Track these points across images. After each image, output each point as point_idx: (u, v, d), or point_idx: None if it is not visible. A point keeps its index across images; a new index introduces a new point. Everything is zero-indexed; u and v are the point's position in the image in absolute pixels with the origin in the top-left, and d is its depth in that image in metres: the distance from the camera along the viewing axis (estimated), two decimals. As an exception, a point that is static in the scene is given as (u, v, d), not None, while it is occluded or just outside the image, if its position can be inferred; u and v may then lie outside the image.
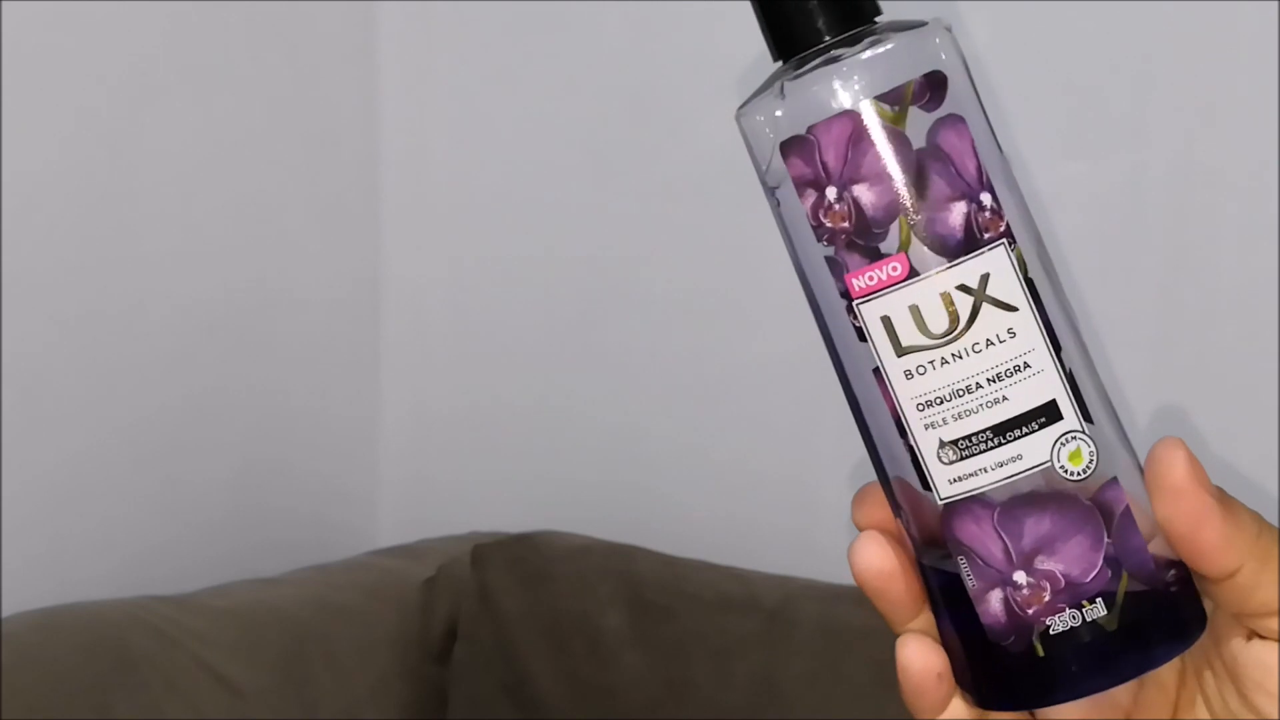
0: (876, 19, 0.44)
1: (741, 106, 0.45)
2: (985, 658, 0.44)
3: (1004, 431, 0.42)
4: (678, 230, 1.34)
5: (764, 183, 0.45)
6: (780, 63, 0.45)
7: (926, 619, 0.47)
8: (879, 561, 0.45)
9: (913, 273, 0.42)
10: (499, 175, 1.43)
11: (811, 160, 0.43)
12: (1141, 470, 0.44)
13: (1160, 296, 1.11)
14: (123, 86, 1.24)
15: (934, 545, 0.44)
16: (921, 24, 0.44)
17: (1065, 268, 1.15)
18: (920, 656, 0.45)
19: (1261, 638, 0.44)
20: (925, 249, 0.42)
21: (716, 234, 1.31)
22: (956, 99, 0.43)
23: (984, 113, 0.44)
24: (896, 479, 0.45)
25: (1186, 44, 1.09)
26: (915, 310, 0.42)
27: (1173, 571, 0.43)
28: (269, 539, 1.39)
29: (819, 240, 0.43)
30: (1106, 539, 0.42)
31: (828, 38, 0.44)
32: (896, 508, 0.45)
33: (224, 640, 1.11)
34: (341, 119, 1.45)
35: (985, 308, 0.42)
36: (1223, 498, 0.43)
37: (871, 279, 0.42)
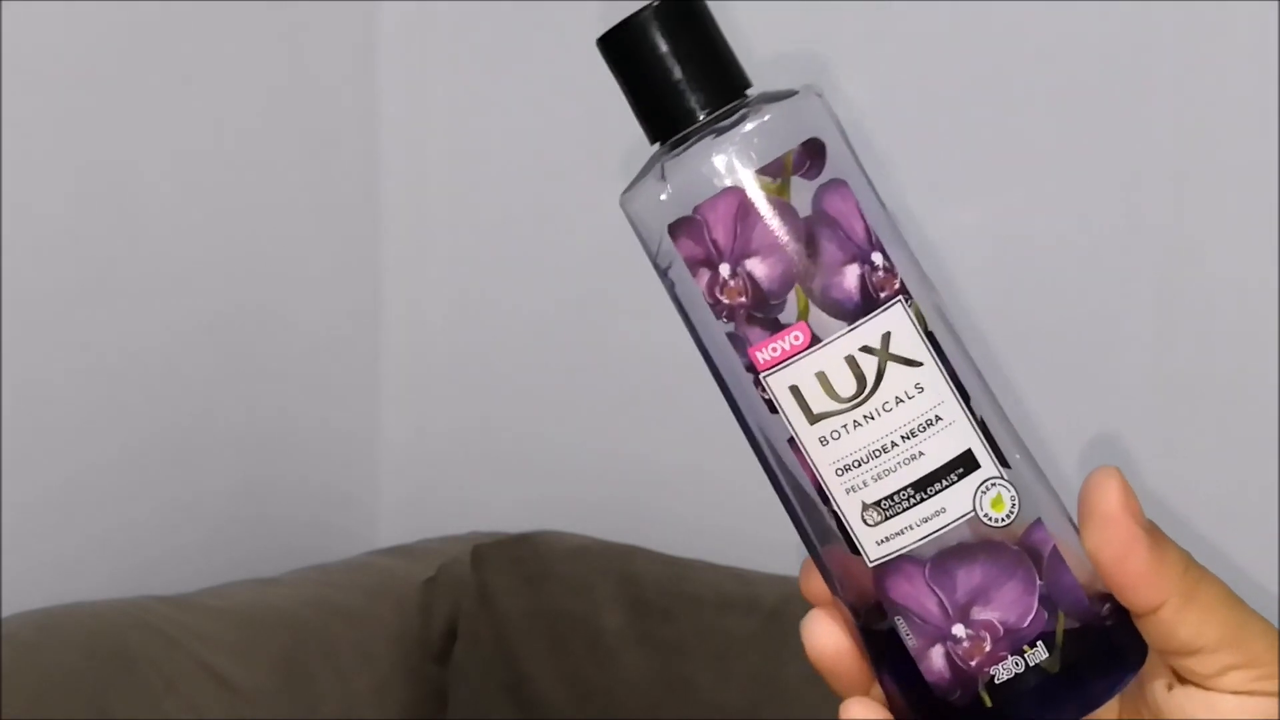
0: (747, 91, 0.45)
1: (624, 193, 0.45)
2: (933, 715, 0.44)
3: (924, 487, 0.42)
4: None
5: (655, 265, 0.45)
6: (658, 144, 0.45)
7: (880, 691, 0.47)
8: (830, 640, 0.46)
9: (815, 340, 0.42)
10: (498, 183, 1.43)
11: (701, 240, 0.43)
12: (1064, 509, 0.45)
13: (1159, 297, 1.11)
14: (120, 86, 1.24)
15: (870, 608, 0.44)
16: (793, 93, 0.44)
17: (1066, 269, 1.15)
18: (823, 636, 0.46)
19: (1182, 683, 0.44)
20: (824, 315, 0.42)
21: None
22: (836, 164, 0.43)
23: (864, 174, 0.44)
24: (826, 548, 0.45)
25: (1186, 43, 1.09)
26: (822, 376, 0.42)
27: (1108, 605, 0.43)
28: (270, 540, 1.39)
29: (718, 317, 0.43)
30: (1039, 581, 0.42)
31: (702, 115, 0.44)
32: (829, 576, 0.45)
33: (224, 640, 1.11)
34: (341, 126, 1.45)
35: (890, 366, 0.42)
36: (1152, 530, 0.44)
37: (775, 350, 0.43)
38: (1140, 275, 1.12)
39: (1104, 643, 0.43)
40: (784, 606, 1.12)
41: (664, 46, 0.44)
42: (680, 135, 0.45)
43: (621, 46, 0.45)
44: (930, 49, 1.19)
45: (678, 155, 0.44)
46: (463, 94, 1.44)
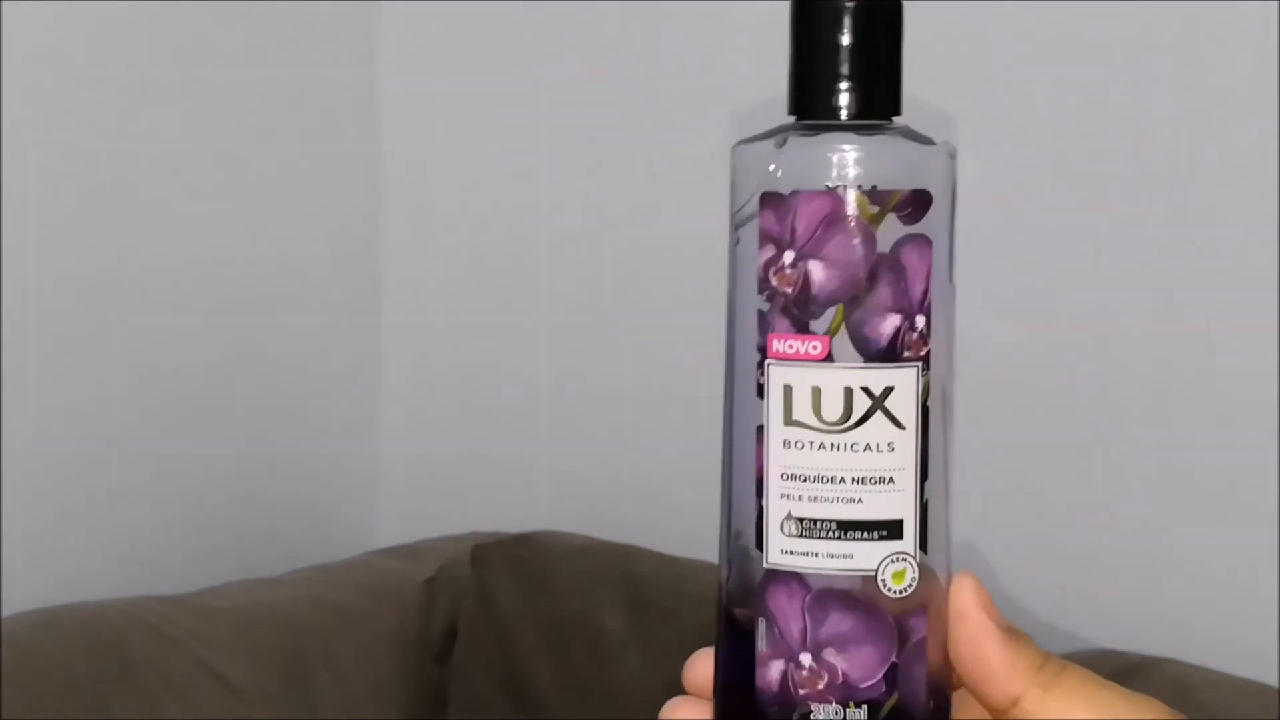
0: (894, 119, 0.46)
1: (741, 142, 0.46)
2: (742, 712, 0.46)
3: (846, 529, 0.44)
4: (678, 230, 1.34)
5: (732, 216, 0.46)
6: (793, 118, 0.46)
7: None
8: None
9: (829, 358, 0.44)
10: (500, 169, 1.43)
11: (784, 220, 0.44)
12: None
13: (1159, 298, 1.11)
14: (123, 83, 1.24)
15: (743, 599, 0.46)
16: (931, 141, 0.45)
17: (1065, 267, 1.15)
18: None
19: None
20: (849, 342, 0.44)
21: (717, 234, 1.31)
22: (932, 222, 0.44)
23: (951, 244, 0.45)
24: (736, 530, 0.46)
25: (1186, 44, 1.09)
26: (816, 391, 0.44)
27: (946, 710, 0.46)
28: (270, 540, 1.39)
29: (760, 292, 0.45)
30: (894, 658, 0.44)
31: (844, 116, 0.45)
32: (725, 558, 0.47)
33: (223, 640, 1.11)
34: (342, 113, 1.45)
35: (877, 416, 0.44)
36: (1009, 629, 0.45)
37: (790, 347, 0.44)
38: (1140, 275, 1.12)
39: None
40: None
41: (850, 39, 0.45)
42: (816, 123, 0.45)
43: (813, 16, 0.46)
44: (930, 49, 1.19)
45: (806, 136, 0.45)
46: (463, 95, 1.44)
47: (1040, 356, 1.15)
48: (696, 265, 1.36)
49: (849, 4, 0.45)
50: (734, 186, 0.46)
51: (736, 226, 0.46)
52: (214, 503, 1.35)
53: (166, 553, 1.30)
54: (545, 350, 1.42)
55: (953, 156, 0.45)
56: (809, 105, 0.45)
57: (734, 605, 0.47)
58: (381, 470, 1.51)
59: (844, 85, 0.45)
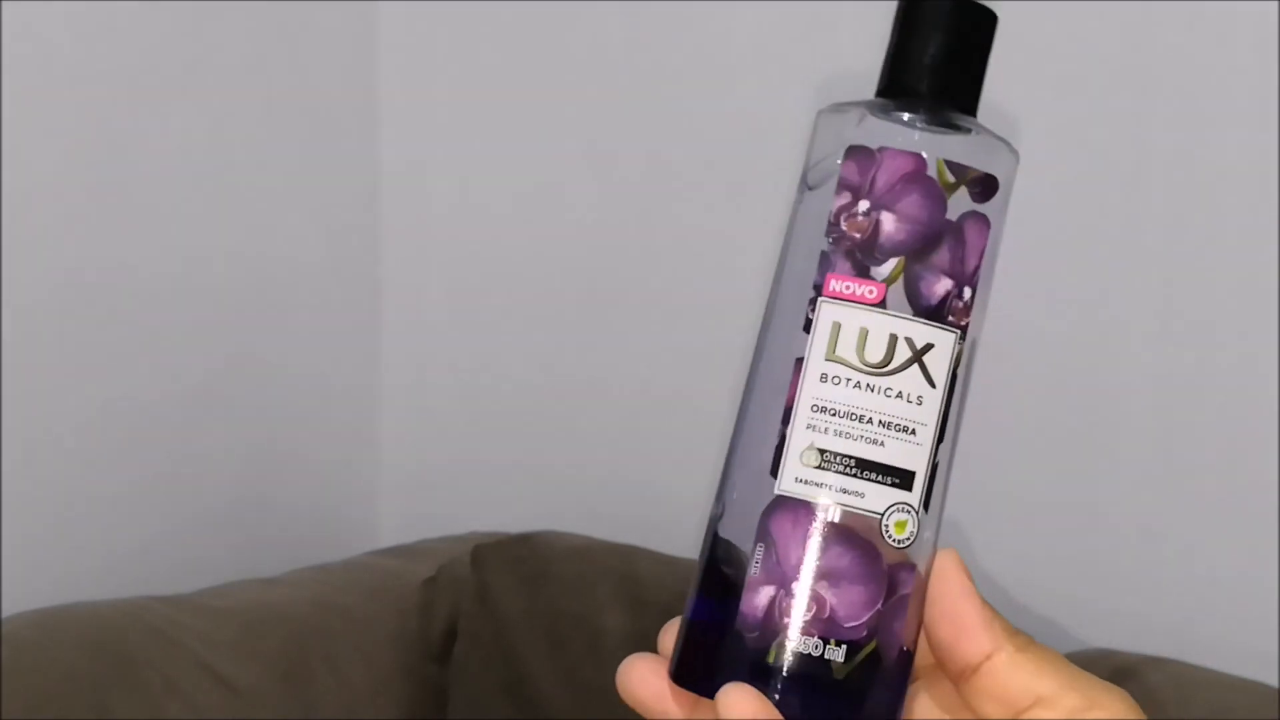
0: (974, 116, 0.49)
1: (834, 105, 0.49)
2: (716, 636, 0.47)
3: (865, 468, 0.46)
4: (679, 232, 1.34)
5: (804, 176, 0.49)
6: (885, 98, 0.49)
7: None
8: (655, 683, 0.49)
9: (882, 303, 0.47)
10: (500, 171, 1.43)
11: (865, 172, 0.47)
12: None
13: (1160, 299, 1.11)
14: (123, 83, 1.24)
15: (738, 524, 0.48)
16: (1004, 140, 0.49)
17: (1064, 267, 1.15)
18: (649, 683, 0.49)
19: None
20: (903, 292, 0.47)
21: (718, 234, 1.31)
22: (993, 207, 0.48)
23: (1000, 236, 0.49)
24: (744, 454, 0.48)
25: (1186, 44, 1.09)
26: (863, 332, 0.47)
27: (909, 675, 0.47)
28: (270, 541, 1.39)
29: (826, 235, 0.47)
30: (879, 606, 0.46)
31: (930, 98, 0.48)
32: (724, 484, 0.49)
33: (224, 640, 1.11)
34: (342, 114, 1.45)
35: (914, 368, 0.47)
36: (984, 600, 0.47)
37: (847, 288, 0.47)
38: (1141, 275, 1.12)
39: (886, 695, 0.47)
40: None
41: (949, 34, 0.49)
42: (904, 100, 0.49)
43: (922, 6, 0.49)
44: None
45: (894, 109, 0.48)
46: (462, 96, 1.44)
47: (1040, 356, 1.15)
48: (698, 266, 1.36)
49: (955, 3, 0.49)
50: (812, 146, 0.49)
51: (809, 187, 0.48)
52: (215, 503, 1.35)
53: (167, 553, 1.30)
54: (545, 351, 1.42)
55: (1017, 158, 0.49)
56: (899, 85, 0.49)
57: (719, 529, 0.48)
58: (382, 471, 1.51)
59: (936, 72, 0.48)
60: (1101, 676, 0.47)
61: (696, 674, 0.47)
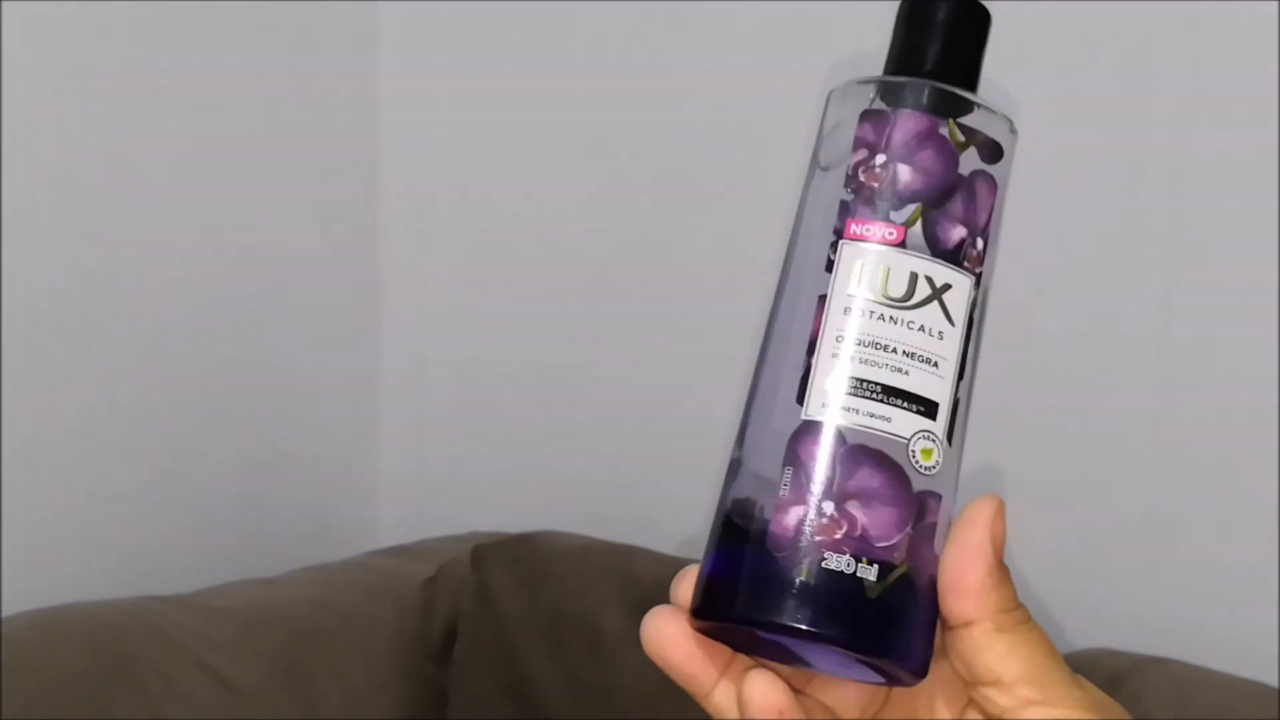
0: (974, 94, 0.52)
1: (845, 83, 0.52)
2: (741, 565, 0.47)
3: (891, 394, 0.48)
4: (679, 231, 1.34)
5: (816, 154, 0.51)
6: (890, 75, 0.52)
7: (725, 693, 0.49)
8: (670, 628, 0.49)
9: (902, 245, 0.49)
10: (500, 171, 1.43)
11: (880, 131, 0.50)
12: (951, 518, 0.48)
13: (1159, 297, 1.11)
14: (123, 83, 1.24)
15: (763, 457, 0.48)
16: (1006, 117, 0.52)
17: (1063, 268, 1.15)
18: (673, 637, 0.49)
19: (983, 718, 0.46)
20: (922, 236, 0.49)
21: (719, 234, 1.31)
22: (999, 170, 0.51)
23: (1003, 203, 0.51)
24: (767, 390, 0.49)
25: (1187, 44, 1.09)
26: (886, 271, 0.48)
27: (934, 603, 0.47)
28: (270, 541, 1.39)
29: (845, 185, 0.49)
30: (909, 528, 0.47)
31: (936, 74, 0.51)
32: (746, 423, 0.50)
33: (224, 640, 1.11)
34: (342, 114, 1.45)
35: (934, 304, 0.49)
36: (1001, 564, 0.46)
37: (868, 231, 0.49)
38: (1141, 275, 1.12)
39: (918, 623, 0.46)
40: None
41: (953, 20, 0.52)
42: (913, 77, 0.51)
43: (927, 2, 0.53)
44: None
45: (903, 82, 0.51)
46: (462, 96, 1.44)
47: (1040, 356, 1.15)
48: (698, 266, 1.36)
49: (978, 7, 0.53)
50: (825, 123, 0.51)
51: (822, 168, 0.51)
52: (215, 503, 1.35)
53: (167, 553, 1.30)
54: (545, 351, 1.42)
55: (1016, 136, 0.52)
56: (906, 66, 0.52)
57: (749, 465, 0.49)
58: (382, 471, 1.51)
59: (939, 56, 0.52)
60: (1102, 676, 0.47)
61: (719, 605, 0.47)
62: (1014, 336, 1.16)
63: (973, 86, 0.52)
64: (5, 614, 1.08)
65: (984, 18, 0.54)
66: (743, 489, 0.49)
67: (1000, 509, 0.47)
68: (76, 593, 1.15)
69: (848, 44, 1.22)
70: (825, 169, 0.51)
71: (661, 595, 1.04)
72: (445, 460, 1.49)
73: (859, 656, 0.46)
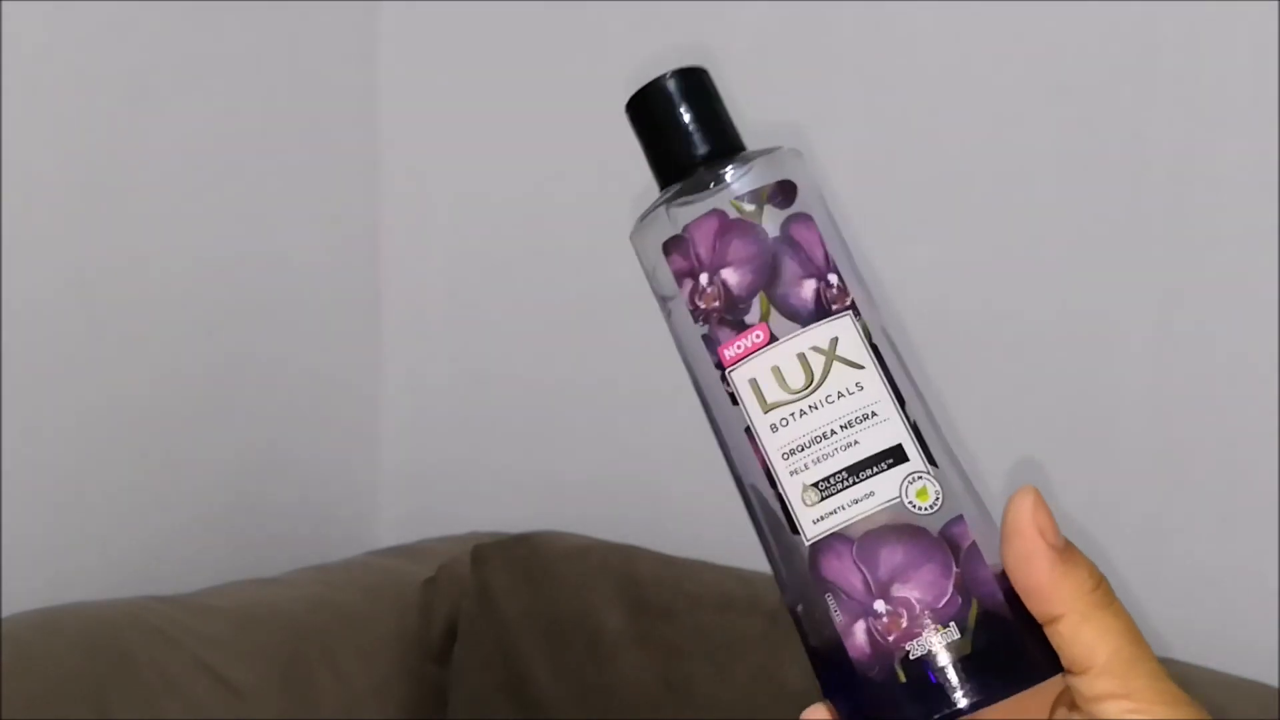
0: (741, 153, 0.52)
1: (636, 224, 0.53)
2: (857, 693, 0.47)
3: (857, 471, 0.47)
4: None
5: (657, 295, 0.52)
6: (662, 189, 0.53)
7: None
8: None
9: (773, 338, 0.48)
10: (500, 171, 1.43)
11: (687, 254, 0.50)
12: (991, 520, 0.48)
13: (1159, 298, 1.12)
14: (123, 83, 1.24)
15: (803, 592, 0.49)
16: (777, 148, 0.51)
17: (1065, 271, 1.15)
18: None
19: (1073, 708, 0.46)
20: (782, 318, 0.48)
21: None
22: (805, 202, 0.50)
23: (831, 219, 0.51)
24: (768, 535, 0.50)
25: (1187, 44, 1.09)
26: (777, 370, 0.48)
27: (1025, 610, 0.46)
28: (270, 541, 1.39)
29: (695, 321, 0.50)
30: (955, 568, 0.46)
31: (701, 165, 0.52)
32: (777, 572, 0.50)
33: (224, 640, 1.11)
34: (342, 113, 1.45)
35: (836, 365, 0.48)
36: (1064, 549, 0.46)
37: (739, 348, 0.49)
38: (1141, 276, 1.12)
39: (1020, 639, 0.46)
40: (784, 607, 1.12)
41: (676, 109, 0.53)
42: (681, 180, 0.52)
43: (641, 107, 0.54)
44: (931, 49, 1.19)
45: (677, 194, 0.51)
46: (463, 96, 1.44)
47: (1040, 356, 1.15)
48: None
49: (663, 86, 0.53)
50: (643, 267, 0.53)
51: (665, 300, 0.52)
52: (215, 503, 1.35)
53: (167, 552, 1.30)
54: (545, 351, 1.42)
55: (799, 154, 0.51)
56: (670, 170, 0.53)
57: (796, 608, 0.49)
58: (382, 471, 1.51)
59: (688, 142, 0.52)
60: None
61: None
62: (1012, 337, 1.16)
63: (735, 143, 0.52)
64: (5, 614, 1.08)
65: (698, 77, 0.53)
66: (810, 635, 0.49)
67: (1035, 500, 0.46)
68: (76, 593, 1.15)
69: (847, 43, 1.22)
70: (669, 299, 0.51)
71: (661, 595, 1.04)
72: (445, 460, 1.49)
73: (1007, 692, 0.46)
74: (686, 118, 0.53)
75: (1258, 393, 1.07)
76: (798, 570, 0.48)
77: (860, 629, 0.46)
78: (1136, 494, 1.13)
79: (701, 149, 0.52)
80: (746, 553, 1.22)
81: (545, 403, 1.43)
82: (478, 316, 1.46)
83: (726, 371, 0.49)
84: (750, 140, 0.53)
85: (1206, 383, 1.10)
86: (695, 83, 0.53)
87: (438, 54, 1.45)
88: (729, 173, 0.50)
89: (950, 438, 0.50)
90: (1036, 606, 0.46)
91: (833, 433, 0.47)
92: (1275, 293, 1.06)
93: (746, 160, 0.51)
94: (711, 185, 0.50)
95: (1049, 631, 0.46)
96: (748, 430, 0.49)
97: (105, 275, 1.24)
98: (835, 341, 0.48)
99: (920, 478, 0.47)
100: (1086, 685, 0.45)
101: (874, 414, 0.48)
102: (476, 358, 1.46)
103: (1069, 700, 0.46)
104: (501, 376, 1.45)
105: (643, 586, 1.18)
